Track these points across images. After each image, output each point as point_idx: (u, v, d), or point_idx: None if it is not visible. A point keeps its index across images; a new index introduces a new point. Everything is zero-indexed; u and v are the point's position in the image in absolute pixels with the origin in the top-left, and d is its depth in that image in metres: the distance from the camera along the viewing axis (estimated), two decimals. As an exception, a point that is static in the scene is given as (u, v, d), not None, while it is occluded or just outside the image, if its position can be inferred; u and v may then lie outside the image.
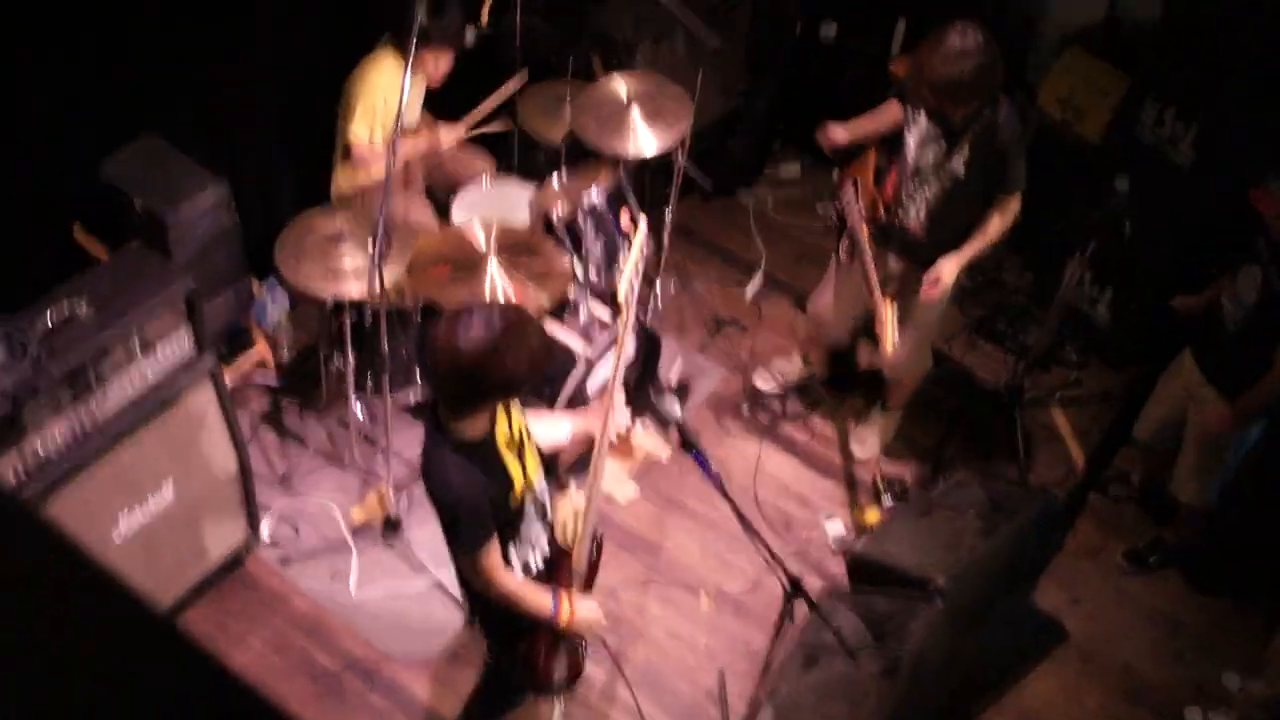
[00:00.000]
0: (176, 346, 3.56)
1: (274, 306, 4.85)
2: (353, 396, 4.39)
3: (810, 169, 6.12)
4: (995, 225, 4.12)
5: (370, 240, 3.68)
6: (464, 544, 2.90)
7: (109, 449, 3.44)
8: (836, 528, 4.62)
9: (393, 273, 3.84)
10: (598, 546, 3.29)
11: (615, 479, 4.47)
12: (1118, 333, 5.26)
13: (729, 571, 4.45)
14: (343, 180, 4.59)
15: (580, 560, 3.13)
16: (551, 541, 3.16)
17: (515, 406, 3.01)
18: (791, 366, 5.12)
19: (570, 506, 3.15)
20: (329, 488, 4.55)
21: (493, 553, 2.90)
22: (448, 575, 4.20)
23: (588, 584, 3.25)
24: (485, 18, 4.56)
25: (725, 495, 3.14)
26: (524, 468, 2.97)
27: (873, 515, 4.65)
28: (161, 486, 3.69)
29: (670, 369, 4.99)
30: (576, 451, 4.10)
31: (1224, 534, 4.52)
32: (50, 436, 3.28)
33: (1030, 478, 4.88)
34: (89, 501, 3.45)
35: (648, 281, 4.91)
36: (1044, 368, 5.27)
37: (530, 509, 3.03)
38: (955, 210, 4.15)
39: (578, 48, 5.09)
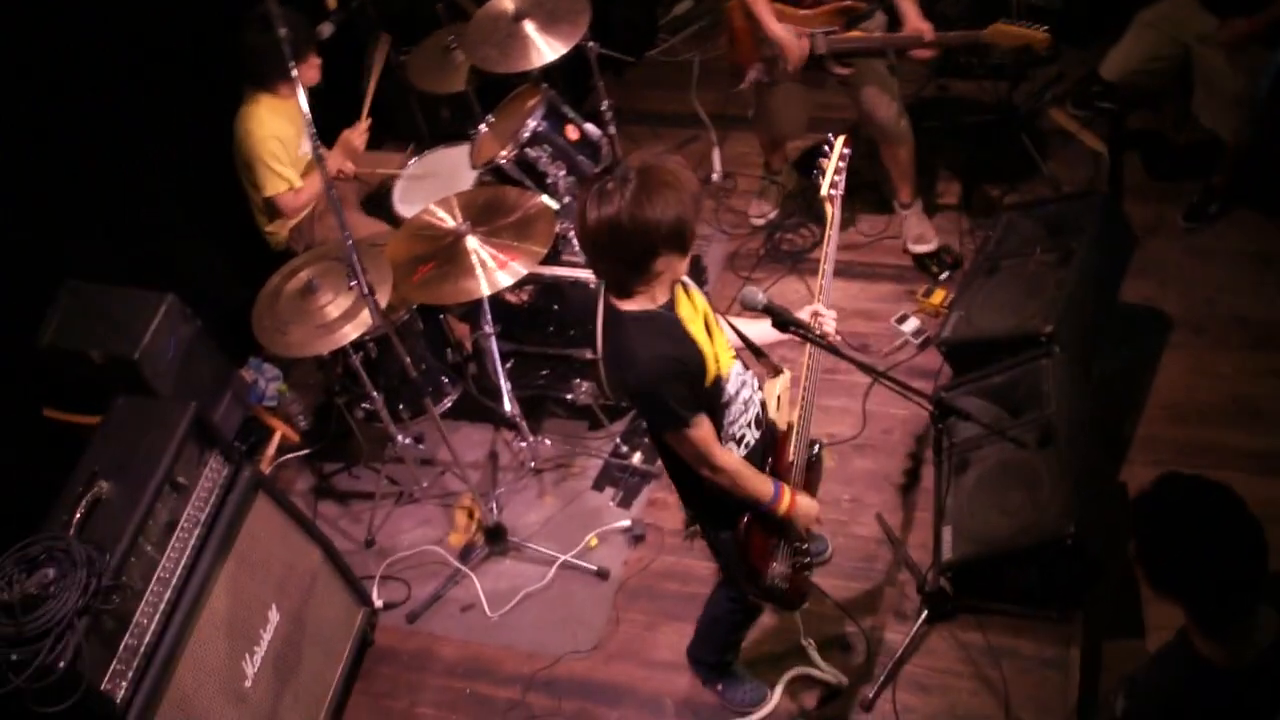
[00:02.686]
0: (211, 475, 3.28)
1: (267, 383, 4.57)
2: (393, 430, 4.12)
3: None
4: None
5: (349, 275, 3.36)
6: (669, 420, 2.60)
7: (201, 608, 3.17)
8: (912, 325, 4.40)
9: (383, 294, 3.54)
10: (817, 452, 3.04)
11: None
12: (1072, 10, 5.02)
13: (832, 416, 4.23)
14: (275, 231, 4.29)
15: (798, 452, 2.89)
16: (766, 422, 2.88)
17: (694, 290, 2.72)
18: (768, 186, 4.97)
19: (780, 386, 2.87)
20: (415, 528, 4.31)
21: (704, 424, 2.62)
22: (571, 551, 4.05)
23: (807, 487, 3.00)
24: (333, 2, 4.18)
25: (839, 353, 2.88)
26: (714, 348, 2.68)
27: (939, 296, 4.43)
28: (268, 615, 3.44)
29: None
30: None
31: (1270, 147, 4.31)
32: (139, 626, 3.00)
33: (1065, 186, 4.67)
34: (209, 667, 3.19)
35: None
36: (1023, 77, 5.02)
37: (730, 390, 2.73)
38: None
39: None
